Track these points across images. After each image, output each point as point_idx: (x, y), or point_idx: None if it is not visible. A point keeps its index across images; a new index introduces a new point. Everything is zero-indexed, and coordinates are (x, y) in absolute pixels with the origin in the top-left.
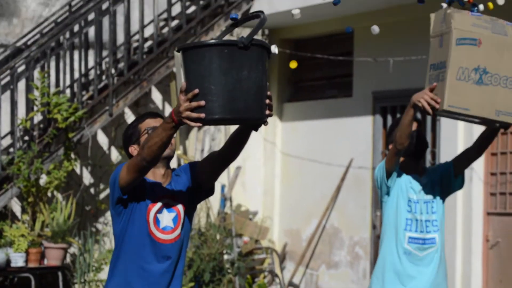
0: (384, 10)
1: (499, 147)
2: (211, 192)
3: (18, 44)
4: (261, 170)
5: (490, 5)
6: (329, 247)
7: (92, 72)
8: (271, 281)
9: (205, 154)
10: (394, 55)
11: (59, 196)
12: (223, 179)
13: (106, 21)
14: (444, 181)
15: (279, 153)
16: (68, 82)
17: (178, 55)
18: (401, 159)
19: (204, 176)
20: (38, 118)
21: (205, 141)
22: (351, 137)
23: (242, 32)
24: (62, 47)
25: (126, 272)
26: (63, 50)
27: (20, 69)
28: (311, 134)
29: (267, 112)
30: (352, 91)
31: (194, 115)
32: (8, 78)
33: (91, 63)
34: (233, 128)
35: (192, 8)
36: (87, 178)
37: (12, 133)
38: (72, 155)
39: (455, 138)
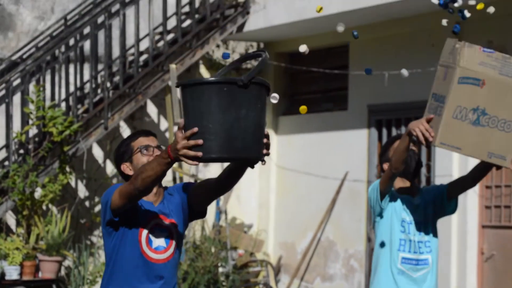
0: (379, 24)
1: None
2: (203, 214)
3: (14, 57)
4: (256, 183)
5: (480, 6)
6: (324, 259)
7: (87, 86)
8: None
9: (200, 167)
10: (389, 69)
11: (54, 209)
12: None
13: (101, 35)
14: (437, 203)
15: (274, 166)
16: (63, 96)
17: (173, 69)
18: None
19: (196, 199)
20: (33, 131)
21: None
22: (346, 150)
23: (237, 45)
24: (58, 61)
25: None
26: (58, 64)
27: (15, 83)
28: (307, 147)
29: (265, 151)
30: (347, 104)
31: (192, 153)
32: (3, 92)
33: (86, 76)
34: None
35: (187, 22)
36: (82, 191)
37: (7, 146)
38: (67, 168)
39: (450, 152)
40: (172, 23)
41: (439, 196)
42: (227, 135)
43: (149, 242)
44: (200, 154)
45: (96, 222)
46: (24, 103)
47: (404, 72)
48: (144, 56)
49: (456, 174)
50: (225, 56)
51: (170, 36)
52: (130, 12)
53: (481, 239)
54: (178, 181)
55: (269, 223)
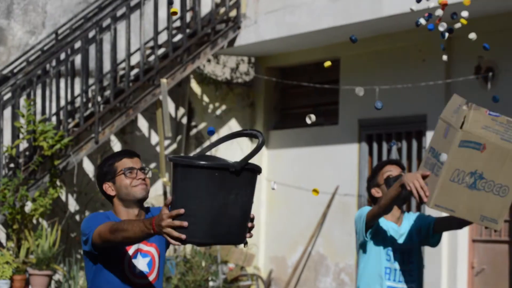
0: (370, 39)
1: None
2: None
3: (4, 72)
4: None
5: (463, 21)
6: (315, 273)
7: (78, 100)
8: None
9: None
10: (380, 84)
11: (44, 223)
12: None
13: (92, 49)
14: (422, 233)
15: (265, 180)
16: (54, 110)
17: (164, 83)
18: None
19: None
20: (23, 145)
21: None
22: (337, 165)
23: (228, 60)
24: (48, 75)
25: None
26: (49, 78)
27: (6, 97)
28: (297, 162)
29: (248, 235)
30: (338, 119)
31: (175, 234)
32: None
33: (77, 91)
34: (220, 153)
35: (178, 37)
36: (73, 205)
37: None
38: (58, 182)
39: None
40: (163, 37)
41: (425, 227)
42: (212, 221)
43: (132, 267)
44: (183, 236)
45: None
46: (14, 117)
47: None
48: (135, 71)
49: None
50: (210, 132)
51: (161, 51)
52: (121, 26)
53: (471, 253)
54: (168, 195)
55: (260, 237)
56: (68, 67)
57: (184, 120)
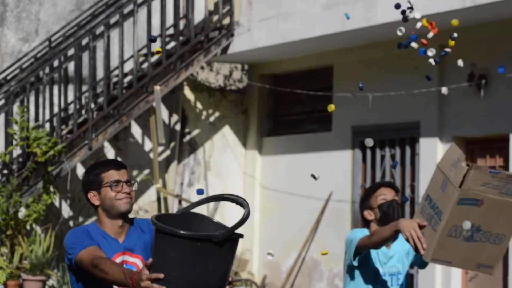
0: (363, 46)
1: None
2: None
3: None
4: None
5: (451, 42)
6: (309, 279)
7: (71, 107)
8: None
9: (185, 187)
10: (373, 91)
11: (38, 229)
12: (202, 212)
13: (86, 56)
14: (410, 256)
15: (259, 186)
16: (47, 117)
17: (157, 90)
18: (374, 226)
19: None
20: (17, 152)
21: (184, 174)
22: (331, 171)
23: (221, 67)
24: (42, 82)
25: None
26: (42, 85)
27: None
28: (291, 168)
29: None
30: (331, 125)
31: None
32: None
33: (70, 97)
34: (214, 160)
35: (172, 44)
36: (66, 211)
37: None
38: (51, 189)
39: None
40: (156, 44)
41: (413, 251)
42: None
43: None
44: None
45: None
46: (8, 124)
47: (369, 141)
48: (129, 78)
49: None
50: (199, 192)
51: (154, 58)
52: (114, 34)
53: None
54: (162, 201)
55: (254, 242)
56: (61, 74)
57: (178, 127)
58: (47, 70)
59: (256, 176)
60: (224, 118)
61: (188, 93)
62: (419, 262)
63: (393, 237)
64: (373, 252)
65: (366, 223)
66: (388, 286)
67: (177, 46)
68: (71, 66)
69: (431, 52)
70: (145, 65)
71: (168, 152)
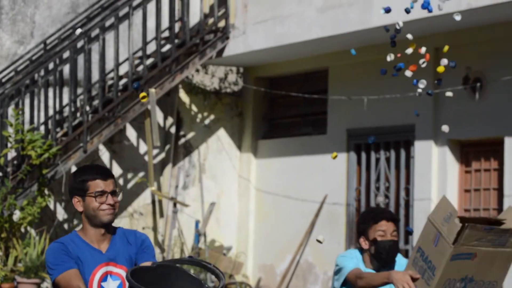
0: (358, 49)
1: (473, 184)
2: None
3: None
4: (235, 206)
5: (445, 48)
6: (303, 282)
7: (66, 109)
8: None
9: (180, 190)
10: (368, 94)
11: (32, 231)
12: (197, 214)
13: (81, 59)
14: None
15: (254, 189)
16: (42, 119)
17: (153, 93)
18: (367, 258)
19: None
20: (12, 154)
21: (179, 177)
22: (326, 174)
23: (217, 70)
24: (37, 85)
25: None
26: (37, 88)
27: None
28: (286, 171)
29: None
30: (326, 128)
31: None
32: None
33: (65, 100)
34: (209, 163)
35: (167, 47)
36: (61, 214)
37: None
38: (46, 191)
39: (429, 175)
40: (151, 47)
41: None
42: None
43: None
44: None
45: None
46: (3, 126)
47: (322, 239)
48: (124, 80)
49: (435, 198)
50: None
51: (149, 61)
52: (109, 36)
53: None
54: (157, 204)
55: (248, 245)
56: (56, 77)
57: (173, 130)
58: (42, 72)
59: (251, 179)
60: (219, 121)
61: (183, 96)
62: None
63: (383, 286)
64: None
65: (360, 248)
66: None
67: (172, 49)
68: (66, 69)
69: (422, 84)
70: (140, 68)
71: (163, 155)
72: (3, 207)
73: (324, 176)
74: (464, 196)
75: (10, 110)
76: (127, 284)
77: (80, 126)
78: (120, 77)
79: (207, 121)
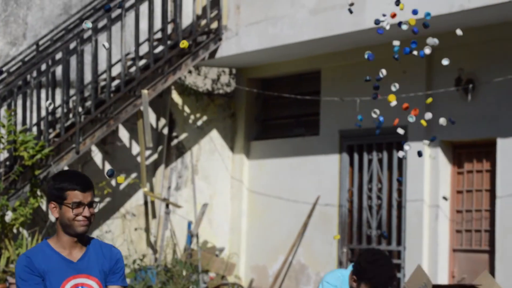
0: (350, 51)
1: (465, 185)
2: None
3: None
4: (228, 207)
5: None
6: (296, 283)
7: (59, 110)
8: None
9: (172, 191)
10: (361, 95)
11: (24, 232)
12: (190, 215)
13: (73, 60)
14: None
15: (246, 190)
16: (35, 120)
17: (145, 94)
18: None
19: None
20: (4, 155)
21: (172, 178)
22: (318, 175)
23: (209, 71)
24: (29, 86)
25: None
26: (30, 89)
27: None
28: (278, 172)
29: None
30: (319, 129)
31: None
32: None
33: (58, 101)
34: (201, 164)
35: (159, 48)
36: None
37: None
38: (38, 192)
39: (421, 176)
40: (144, 49)
41: None
42: None
43: None
44: None
45: None
46: None
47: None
48: (116, 82)
49: (427, 199)
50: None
51: (142, 62)
52: (102, 38)
53: (452, 262)
54: (149, 205)
55: (241, 246)
56: (49, 78)
57: (165, 131)
58: (34, 73)
59: (243, 180)
60: (212, 122)
61: (175, 97)
62: None
63: None
64: None
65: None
66: None
67: (165, 50)
68: (58, 70)
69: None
70: (132, 69)
71: (155, 156)
72: None
73: (317, 177)
74: (457, 197)
75: (3, 111)
76: None
77: (73, 127)
78: (113, 78)
79: (199, 122)
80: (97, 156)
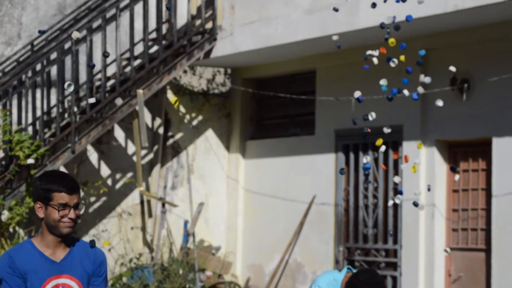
0: (346, 50)
1: (461, 184)
2: None
3: None
4: (224, 206)
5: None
6: (292, 281)
7: (54, 110)
8: None
9: (168, 191)
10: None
11: (21, 231)
12: (186, 214)
13: (68, 60)
14: None
15: (242, 189)
16: (30, 120)
17: (140, 94)
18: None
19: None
20: (0, 155)
21: (167, 177)
22: (314, 174)
23: (204, 71)
24: (24, 86)
25: None
26: (25, 89)
27: None
28: (274, 171)
29: None
30: (314, 129)
31: None
32: None
33: (53, 101)
34: (197, 163)
35: (154, 48)
36: None
37: None
38: None
39: (417, 175)
40: (139, 49)
41: None
42: None
43: None
44: None
45: None
46: None
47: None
48: (111, 81)
49: (423, 198)
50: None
51: (137, 62)
52: (97, 38)
53: (448, 261)
54: (145, 204)
55: (237, 245)
56: (44, 78)
57: (161, 131)
58: (29, 73)
59: (239, 180)
60: (207, 121)
61: (171, 96)
62: None
63: None
64: None
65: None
66: None
67: (159, 50)
68: (53, 70)
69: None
70: (128, 69)
71: (151, 156)
72: None
73: (313, 177)
74: (453, 196)
75: None
76: None
77: (68, 127)
78: (108, 78)
79: (195, 122)
80: (93, 155)
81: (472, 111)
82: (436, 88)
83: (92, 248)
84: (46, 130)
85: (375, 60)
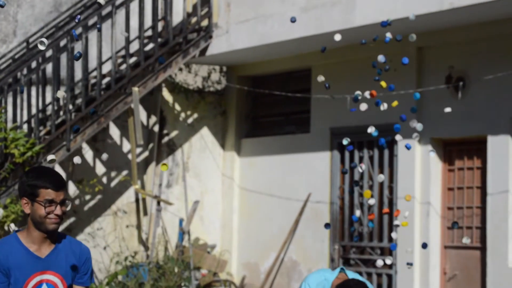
0: (341, 48)
1: (456, 182)
2: None
3: None
4: (219, 204)
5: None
6: (288, 280)
7: (49, 108)
8: None
9: (163, 189)
10: (351, 92)
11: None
12: (181, 213)
13: (64, 58)
14: None
15: (237, 187)
16: (25, 118)
17: (136, 92)
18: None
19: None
20: None
21: (163, 176)
22: (309, 172)
23: (200, 69)
24: (20, 83)
25: None
26: (20, 86)
27: None
28: (269, 169)
29: None
30: (309, 127)
31: None
32: None
33: (48, 99)
34: (192, 161)
35: (150, 46)
36: None
37: None
38: None
39: (412, 173)
40: (134, 46)
41: None
42: None
43: None
44: None
45: None
46: None
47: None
48: (107, 79)
49: (418, 196)
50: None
51: (132, 60)
52: (92, 35)
53: (443, 259)
54: (140, 202)
55: (232, 243)
56: (39, 75)
57: (156, 128)
58: (25, 71)
59: (234, 178)
60: (203, 119)
61: (166, 94)
62: None
63: None
64: None
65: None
66: None
67: (155, 47)
68: (49, 68)
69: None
70: (123, 67)
71: (146, 153)
72: None
73: (308, 175)
74: (448, 194)
75: None
76: None
77: (63, 124)
78: (103, 76)
79: (190, 120)
80: (88, 153)
81: (467, 109)
82: (431, 86)
83: (77, 245)
84: (41, 127)
85: (363, 106)
